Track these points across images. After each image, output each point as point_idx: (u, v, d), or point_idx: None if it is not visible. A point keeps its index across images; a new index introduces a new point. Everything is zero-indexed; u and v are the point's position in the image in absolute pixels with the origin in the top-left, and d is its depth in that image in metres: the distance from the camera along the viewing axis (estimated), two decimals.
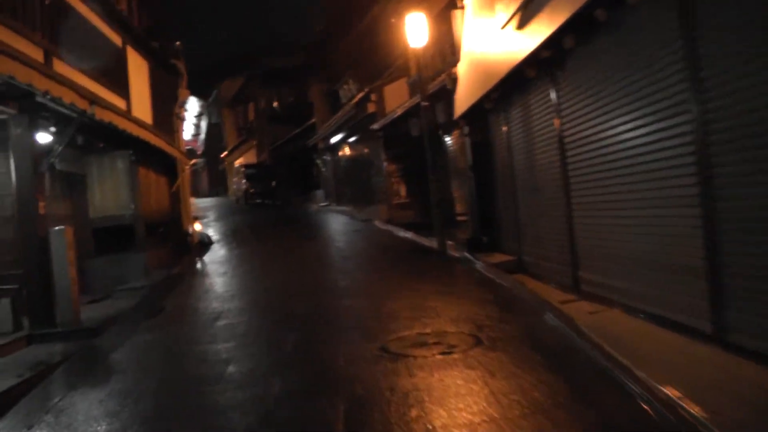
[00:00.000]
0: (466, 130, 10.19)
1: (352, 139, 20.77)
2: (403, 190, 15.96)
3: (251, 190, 28.79)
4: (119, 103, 9.27)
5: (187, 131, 18.44)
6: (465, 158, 10.89)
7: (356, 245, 12.19)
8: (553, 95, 6.58)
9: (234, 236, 16.07)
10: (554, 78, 6.55)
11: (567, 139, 6.39)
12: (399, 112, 14.19)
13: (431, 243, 11.35)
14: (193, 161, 52.39)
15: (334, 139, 22.30)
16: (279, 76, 30.07)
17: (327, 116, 22.47)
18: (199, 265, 11.39)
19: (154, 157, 11.18)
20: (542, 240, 7.51)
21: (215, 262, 11.68)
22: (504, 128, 8.78)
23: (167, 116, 12.40)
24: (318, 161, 26.27)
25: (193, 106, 16.06)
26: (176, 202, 12.75)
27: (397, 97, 15.68)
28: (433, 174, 10.35)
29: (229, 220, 20.74)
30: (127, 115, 9.33)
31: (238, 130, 36.96)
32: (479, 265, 8.74)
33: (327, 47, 22.41)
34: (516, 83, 7.48)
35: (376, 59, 18.29)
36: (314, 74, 25.30)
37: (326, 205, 23.83)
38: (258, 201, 29.44)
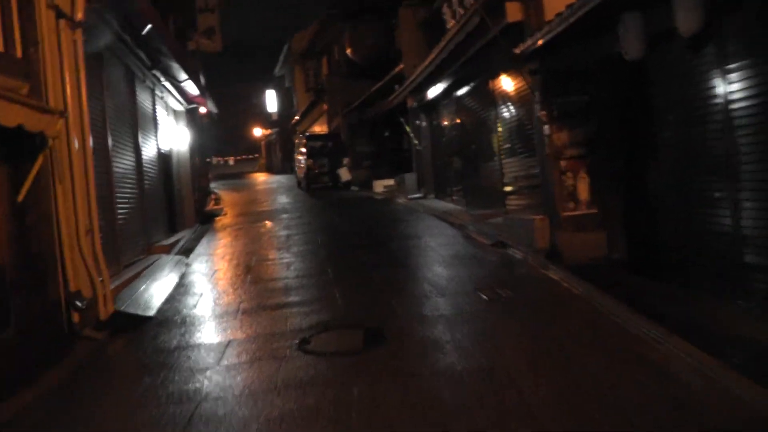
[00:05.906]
0: None
1: (466, 88, 12.20)
2: (583, 188, 7.35)
3: (315, 170, 20.81)
4: None
5: (192, 86, 10.75)
6: None
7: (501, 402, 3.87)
8: None
9: (220, 275, 8.21)
10: None
11: None
12: (582, 10, 5.52)
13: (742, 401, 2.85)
14: (267, 132, 45.79)
15: (433, 91, 13.78)
16: (358, 14, 21.73)
17: (422, 56, 13.95)
18: None
19: None
20: None
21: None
22: None
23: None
24: (407, 127, 17.62)
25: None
26: (34, 224, 4.97)
27: None
28: None
29: (253, 226, 12.91)
30: None
31: (308, 91, 29.22)
32: None
33: None
34: None
35: None
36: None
37: (419, 198, 15.54)
38: (329, 184, 21.54)
